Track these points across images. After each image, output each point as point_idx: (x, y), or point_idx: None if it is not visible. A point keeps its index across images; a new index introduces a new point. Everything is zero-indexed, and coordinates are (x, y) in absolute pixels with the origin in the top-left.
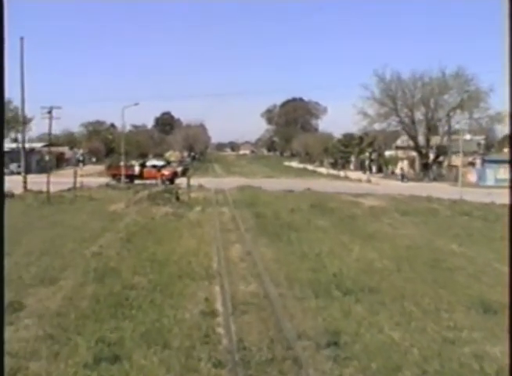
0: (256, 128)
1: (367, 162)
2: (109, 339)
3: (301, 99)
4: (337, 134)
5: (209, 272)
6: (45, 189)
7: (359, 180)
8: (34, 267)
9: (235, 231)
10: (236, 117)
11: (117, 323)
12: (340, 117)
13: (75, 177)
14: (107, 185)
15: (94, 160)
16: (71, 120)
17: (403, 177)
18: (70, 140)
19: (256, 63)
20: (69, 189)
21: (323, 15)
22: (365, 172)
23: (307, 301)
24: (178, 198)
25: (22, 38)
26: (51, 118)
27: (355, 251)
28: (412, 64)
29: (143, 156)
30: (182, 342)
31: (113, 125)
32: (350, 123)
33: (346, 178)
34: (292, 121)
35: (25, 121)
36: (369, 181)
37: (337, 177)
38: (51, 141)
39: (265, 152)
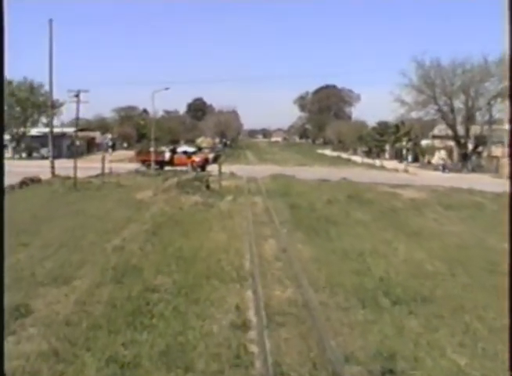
0: (288, 115)
1: (404, 151)
2: (122, 358)
3: (334, 87)
4: (371, 122)
5: (240, 273)
6: (73, 174)
7: (396, 170)
8: (50, 262)
9: (268, 224)
10: (269, 104)
11: (134, 335)
12: (374, 105)
13: (103, 163)
14: (136, 171)
15: (125, 145)
16: (104, 105)
17: (444, 167)
18: (102, 125)
19: (289, 48)
20: (97, 176)
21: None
22: (401, 162)
23: (352, 312)
24: (208, 187)
25: (51, 20)
26: (78, 102)
27: (401, 249)
28: (451, 51)
29: (175, 142)
30: (208, 364)
31: (145, 111)
32: (383, 111)
33: (382, 167)
34: (325, 109)
35: (53, 105)
36: (406, 171)
37: (373, 166)
38: (78, 125)
39: (297, 139)
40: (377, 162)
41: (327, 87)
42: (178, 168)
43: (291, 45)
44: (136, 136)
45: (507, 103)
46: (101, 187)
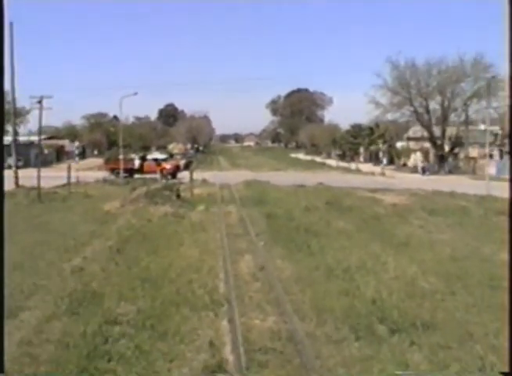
0: (260, 119)
1: (381, 154)
2: None
3: (306, 90)
4: (344, 125)
5: (214, 298)
6: (41, 184)
7: (372, 173)
8: None
9: (244, 236)
10: (241, 109)
11: None
12: (347, 109)
13: (69, 172)
14: (104, 180)
15: (96, 153)
16: (74, 112)
17: (424, 170)
18: (71, 133)
19: (261, 51)
20: (64, 185)
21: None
22: (375, 164)
23: (346, 345)
24: (178, 196)
25: (11, 24)
26: (41, 108)
27: (391, 264)
28: (425, 52)
29: (146, 148)
30: None
31: (115, 117)
32: (356, 114)
33: (358, 171)
34: (297, 112)
35: (17, 113)
36: (383, 174)
37: (348, 170)
38: (42, 133)
39: (270, 143)
40: (353, 165)
41: (299, 90)
42: (148, 176)
43: (263, 48)
44: (107, 143)
45: (482, 103)
46: (67, 198)
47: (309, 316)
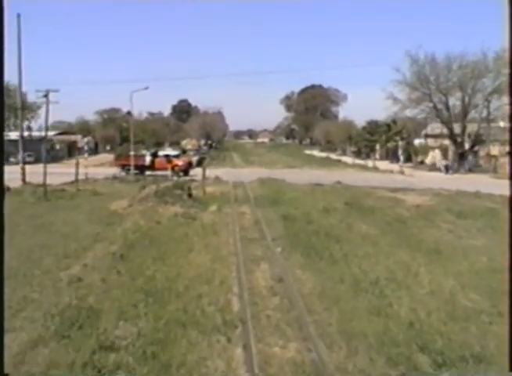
0: (274, 115)
1: (400, 151)
2: None
3: (320, 86)
4: (359, 121)
5: (226, 317)
6: (50, 181)
7: (391, 171)
8: None
9: (259, 241)
10: (254, 105)
11: None
12: (361, 105)
13: (77, 168)
14: (114, 177)
15: (108, 148)
16: (88, 108)
17: (447, 168)
18: (84, 128)
19: (276, 47)
20: (72, 182)
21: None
22: (392, 162)
23: None
24: (190, 195)
25: (19, 15)
26: (47, 103)
27: (424, 275)
28: (445, 47)
29: (159, 144)
30: None
31: (129, 113)
32: (371, 110)
33: (375, 168)
34: (311, 109)
35: (25, 107)
36: (402, 172)
37: (365, 167)
38: (48, 127)
39: (284, 140)
40: (369, 163)
41: (313, 87)
42: (160, 173)
43: (277, 44)
44: (119, 139)
45: (503, 99)
46: (74, 196)
47: (337, 342)
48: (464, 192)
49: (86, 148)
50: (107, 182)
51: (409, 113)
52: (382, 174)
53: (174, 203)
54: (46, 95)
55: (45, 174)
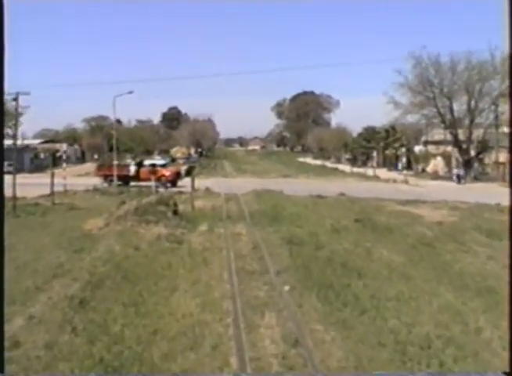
0: (265, 122)
1: (404, 159)
2: None
3: (312, 93)
4: (352, 128)
5: None
6: (27, 193)
7: (394, 180)
8: None
9: (261, 275)
10: (245, 112)
11: None
12: (355, 111)
13: (52, 179)
14: (95, 189)
15: (96, 157)
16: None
17: (459, 177)
18: (71, 136)
19: (264, 54)
20: (50, 195)
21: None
22: (390, 170)
23: None
24: (176, 211)
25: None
26: (17, 107)
27: (488, 332)
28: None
29: (149, 153)
30: None
31: (118, 121)
32: (365, 117)
33: (376, 177)
34: (303, 115)
35: (3, 114)
36: (406, 181)
37: (365, 176)
38: (16, 134)
39: (275, 147)
40: (369, 171)
41: (305, 93)
42: (145, 184)
43: (268, 48)
44: (107, 147)
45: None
46: (48, 211)
47: None
48: (484, 204)
49: (64, 157)
50: (87, 194)
51: (410, 118)
52: (385, 183)
53: (158, 222)
54: (16, 99)
55: (14, 185)
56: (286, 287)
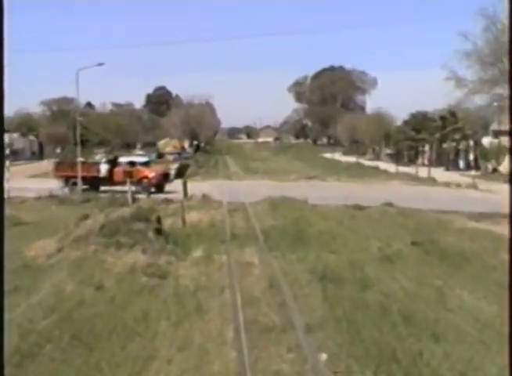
0: (280, 107)
1: (470, 155)
2: None
3: (341, 68)
4: (395, 114)
5: None
6: None
7: (457, 184)
8: None
9: (283, 335)
10: (254, 93)
11: None
12: (398, 92)
13: None
14: (52, 195)
15: (59, 151)
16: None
17: None
18: (25, 123)
19: (280, 20)
20: None
21: None
22: (448, 169)
23: None
24: (159, 230)
25: None
26: None
27: None
28: None
29: (129, 146)
30: None
31: (89, 104)
32: (411, 99)
33: (432, 180)
34: (329, 98)
35: None
36: (474, 186)
37: (417, 178)
38: None
39: (293, 139)
40: (422, 171)
41: (332, 69)
42: (120, 189)
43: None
44: (73, 138)
45: None
46: None
47: None
48: None
49: (8, 152)
50: (39, 203)
51: (479, 99)
52: (446, 188)
53: (133, 245)
54: None
55: None
56: (324, 356)
